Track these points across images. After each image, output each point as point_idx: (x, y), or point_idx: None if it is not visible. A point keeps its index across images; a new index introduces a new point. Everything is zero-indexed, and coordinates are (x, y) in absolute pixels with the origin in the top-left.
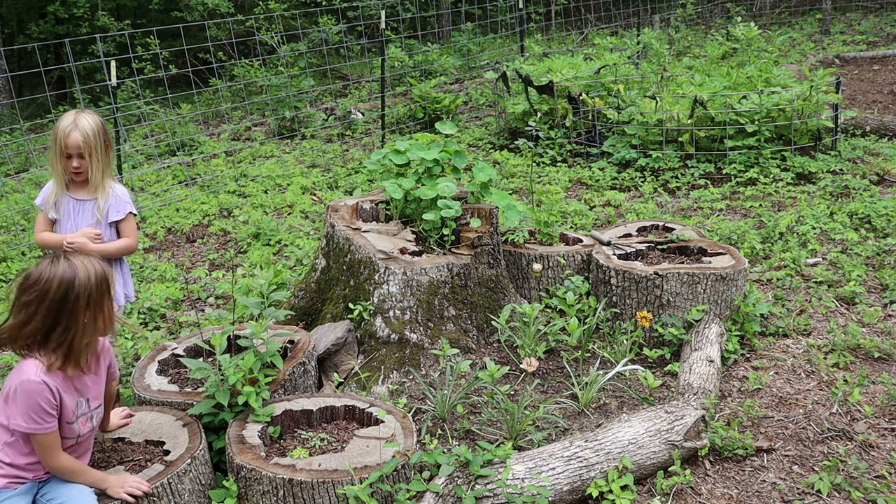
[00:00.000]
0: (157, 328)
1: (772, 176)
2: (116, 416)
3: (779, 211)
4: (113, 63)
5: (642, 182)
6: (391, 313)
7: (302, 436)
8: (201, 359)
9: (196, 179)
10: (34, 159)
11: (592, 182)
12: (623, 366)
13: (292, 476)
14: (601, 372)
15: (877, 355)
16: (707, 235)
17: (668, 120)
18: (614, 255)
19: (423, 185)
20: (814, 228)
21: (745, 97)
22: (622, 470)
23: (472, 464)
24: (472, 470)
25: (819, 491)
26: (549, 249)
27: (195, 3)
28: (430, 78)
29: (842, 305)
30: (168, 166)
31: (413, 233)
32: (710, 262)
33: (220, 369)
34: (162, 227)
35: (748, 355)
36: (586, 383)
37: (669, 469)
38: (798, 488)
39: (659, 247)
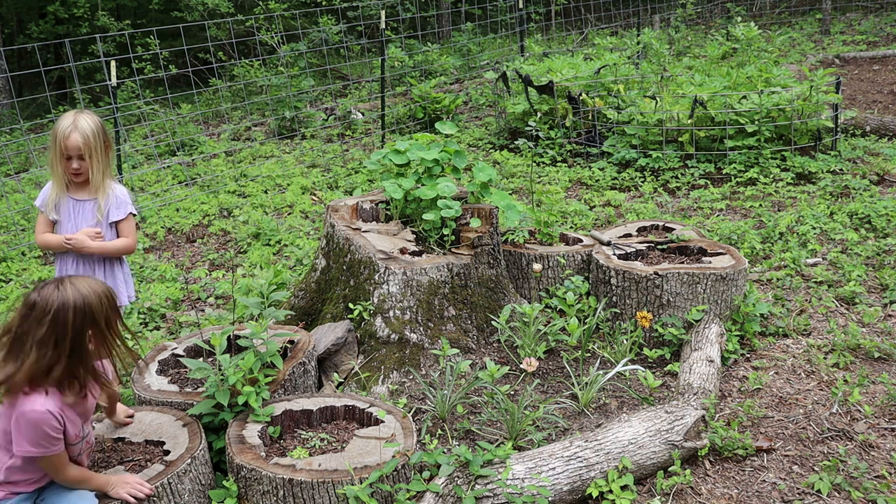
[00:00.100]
0: (157, 328)
1: (772, 176)
2: (122, 412)
3: (779, 211)
4: (113, 63)
5: (642, 182)
6: (391, 313)
7: (302, 436)
8: (201, 359)
9: (196, 179)
10: (34, 159)
11: (592, 182)
12: (623, 366)
13: (292, 476)
14: (601, 372)
15: (877, 355)
16: (707, 235)
17: (668, 120)
18: (614, 255)
19: (423, 185)
20: (814, 228)
21: (745, 97)
22: (622, 470)
23: (472, 464)
24: (472, 470)
25: (819, 491)
26: (549, 249)
27: (195, 3)
28: (430, 78)
29: (842, 305)
30: (168, 166)
31: (413, 233)
32: (710, 262)
33: (220, 369)
34: (162, 227)
35: (748, 355)
36: (586, 383)
37: (669, 469)
38: (798, 488)
39: (659, 247)
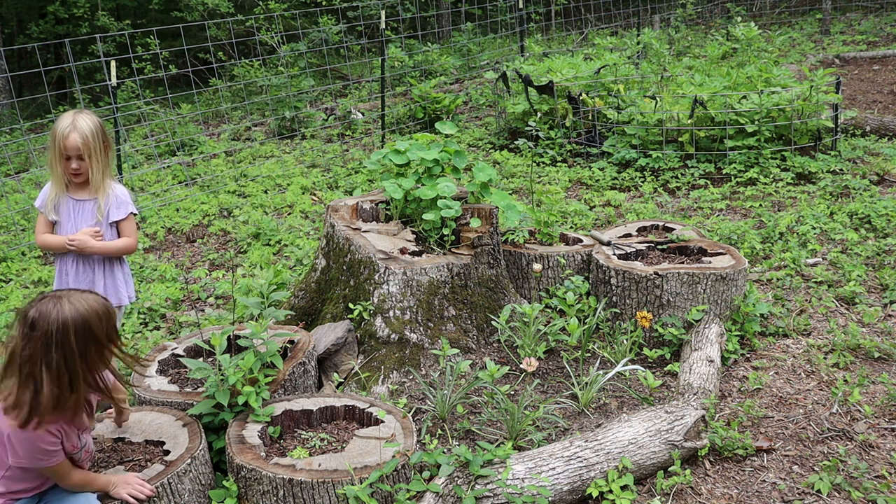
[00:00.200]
0: (157, 328)
1: (772, 176)
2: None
3: (779, 211)
4: (113, 63)
5: (642, 182)
6: (391, 313)
7: (302, 436)
8: (201, 359)
9: (196, 179)
10: (34, 159)
11: (592, 182)
12: (623, 366)
13: (292, 476)
14: (601, 372)
15: (877, 355)
16: (707, 235)
17: (668, 120)
18: (614, 255)
19: (423, 185)
20: (814, 228)
21: (745, 97)
22: (622, 470)
23: (472, 464)
24: (472, 470)
25: (819, 491)
26: (549, 249)
27: (195, 3)
28: (430, 78)
29: (842, 305)
30: (168, 166)
31: (413, 233)
32: (710, 262)
33: (220, 369)
34: (162, 227)
35: (748, 355)
36: (586, 383)
37: (669, 469)
38: (798, 488)
39: (659, 247)
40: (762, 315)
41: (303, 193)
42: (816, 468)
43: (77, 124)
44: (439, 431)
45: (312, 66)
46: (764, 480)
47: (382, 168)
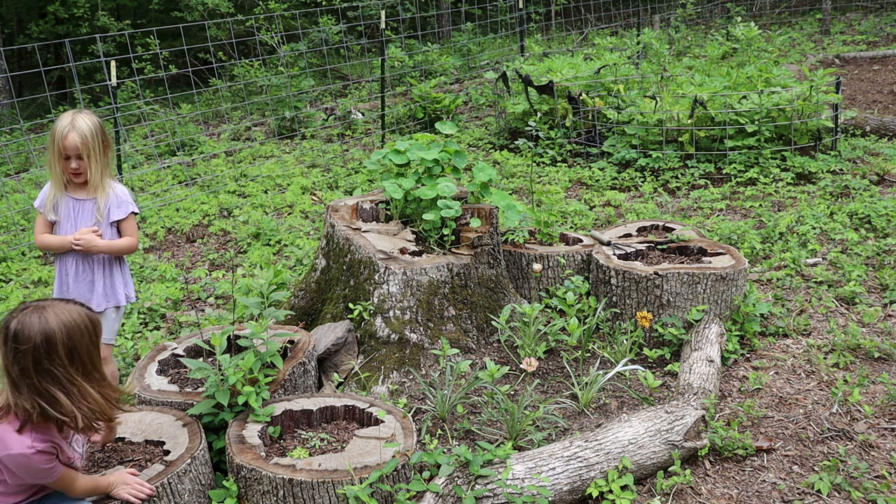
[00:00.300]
0: (157, 328)
1: (772, 176)
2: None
3: (779, 211)
4: (113, 63)
5: (642, 182)
6: (391, 313)
7: (302, 436)
8: (201, 359)
9: (196, 179)
10: (34, 159)
11: (592, 182)
12: (623, 366)
13: (292, 476)
14: (601, 372)
15: (877, 355)
16: (707, 235)
17: (668, 120)
18: (614, 255)
19: (423, 185)
20: (814, 228)
21: (745, 97)
22: (622, 470)
23: (472, 464)
24: (472, 470)
25: (819, 491)
26: (549, 249)
27: (195, 3)
28: (430, 78)
29: (842, 305)
30: (168, 166)
31: (413, 233)
32: (710, 262)
33: (220, 369)
34: (162, 227)
35: (748, 355)
36: (586, 383)
37: (669, 469)
38: (798, 488)
39: (659, 247)
40: (762, 315)
41: (303, 193)
42: (816, 468)
43: (76, 124)
44: (439, 431)
45: (312, 66)
46: (764, 480)
47: (382, 168)
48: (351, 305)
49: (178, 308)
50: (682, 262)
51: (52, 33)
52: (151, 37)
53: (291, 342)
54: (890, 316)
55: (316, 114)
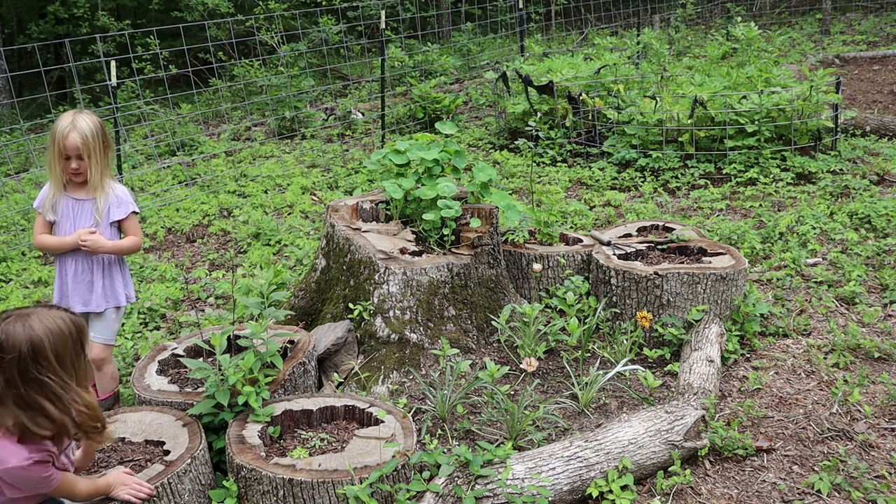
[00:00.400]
0: (157, 328)
1: (772, 176)
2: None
3: (779, 211)
4: (113, 63)
5: (642, 182)
6: (391, 313)
7: (302, 436)
8: (201, 359)
9: (196, 179)
10: (34, 159)
11: (592, 182)
12: (623, 366)
13: (292, 476)
14: (601, 372)
15: (877, 355)
16: (707, 235)
17: (668, 120)
18: (614, 255)
19: (423, 185)
20: (814, 228)
21: (745, 97)
22: (622, 470)
23: (472, 464)
24: (472, 470)
25: (819, 491)
26: (549, 249)
27: (195, 3)
28: (430, 78)
29: (842, 305)
30: (168, 166)
31: (413, 233)
32: (710, 262)
33: (220, 369)
34: (162, 227)
35: (748, 355)
36: (586, 383)
37: (669, 469)
38: (798, 488)
39: (659, 247)
40: (762, 315)
41: (303, 193)
42: (816, 468)
43: (76, 124)
44: (439, 431)
45: (312, 66)
46: (764, 480)
47: (382, 168)
48: (351, 305)
49: (178, 308)
50: (682, 262)
51: (52, 33)
52: (151, 37)
53: (291, 342)
54: (890, 316)
55: (316, 114)
